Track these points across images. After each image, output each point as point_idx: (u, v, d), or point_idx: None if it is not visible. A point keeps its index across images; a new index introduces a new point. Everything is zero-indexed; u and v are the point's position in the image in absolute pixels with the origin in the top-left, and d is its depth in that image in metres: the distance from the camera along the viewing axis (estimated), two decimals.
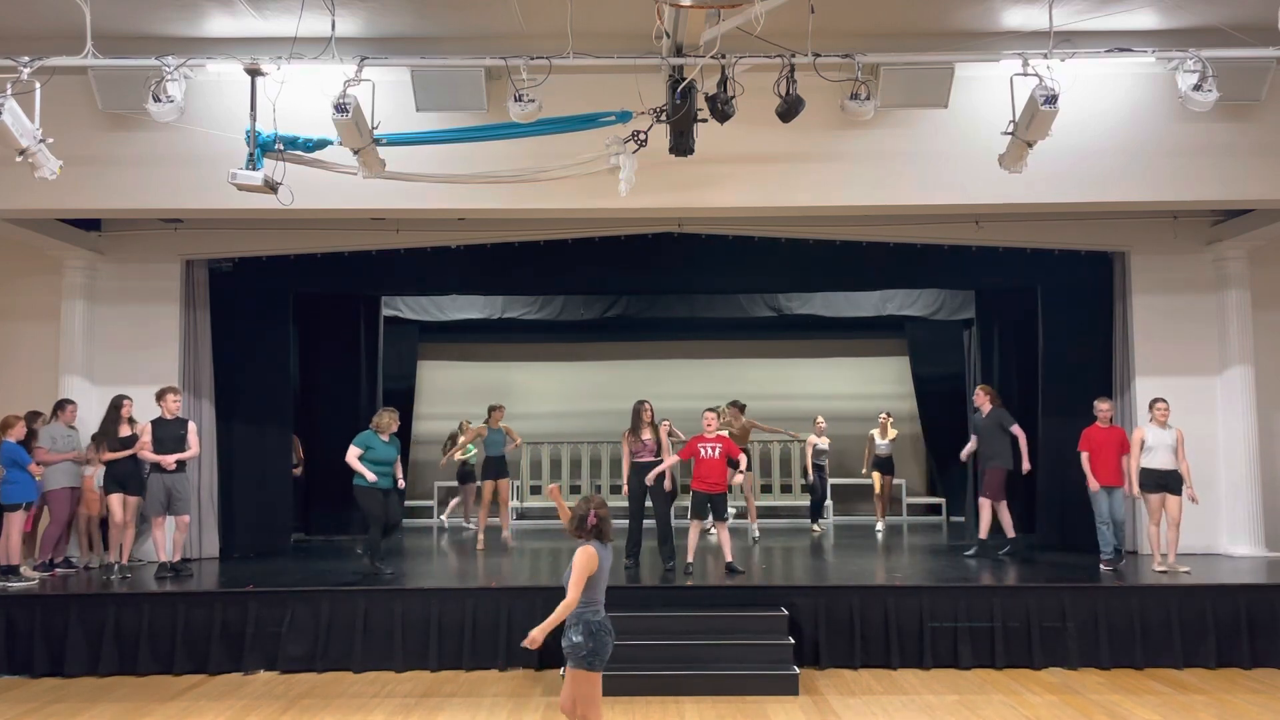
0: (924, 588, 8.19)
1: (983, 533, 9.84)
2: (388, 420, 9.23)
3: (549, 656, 7.83)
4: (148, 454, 8.95)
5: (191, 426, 9.25)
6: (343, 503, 12.20)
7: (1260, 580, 8.47)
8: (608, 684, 7.21)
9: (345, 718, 6.77)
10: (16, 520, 8.70)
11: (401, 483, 9.30)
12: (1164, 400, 8.97)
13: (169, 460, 8.93)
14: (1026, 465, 9.74)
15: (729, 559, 8.89)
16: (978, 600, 7.98)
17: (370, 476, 8.89)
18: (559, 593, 8.49)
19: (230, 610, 7.94)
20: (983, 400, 10.05)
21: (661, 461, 9.05)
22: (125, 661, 7.86)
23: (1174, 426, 8.89)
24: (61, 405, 9.43)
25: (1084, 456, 9.13)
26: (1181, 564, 8.81)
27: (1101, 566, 8.90)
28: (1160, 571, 8.71)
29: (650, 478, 8.99)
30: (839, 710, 6.80)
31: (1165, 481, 8.82)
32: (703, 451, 8.97)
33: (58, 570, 9.28)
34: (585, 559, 4.97)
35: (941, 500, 14.53)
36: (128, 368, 10.09)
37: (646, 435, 9.22)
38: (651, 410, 9.35)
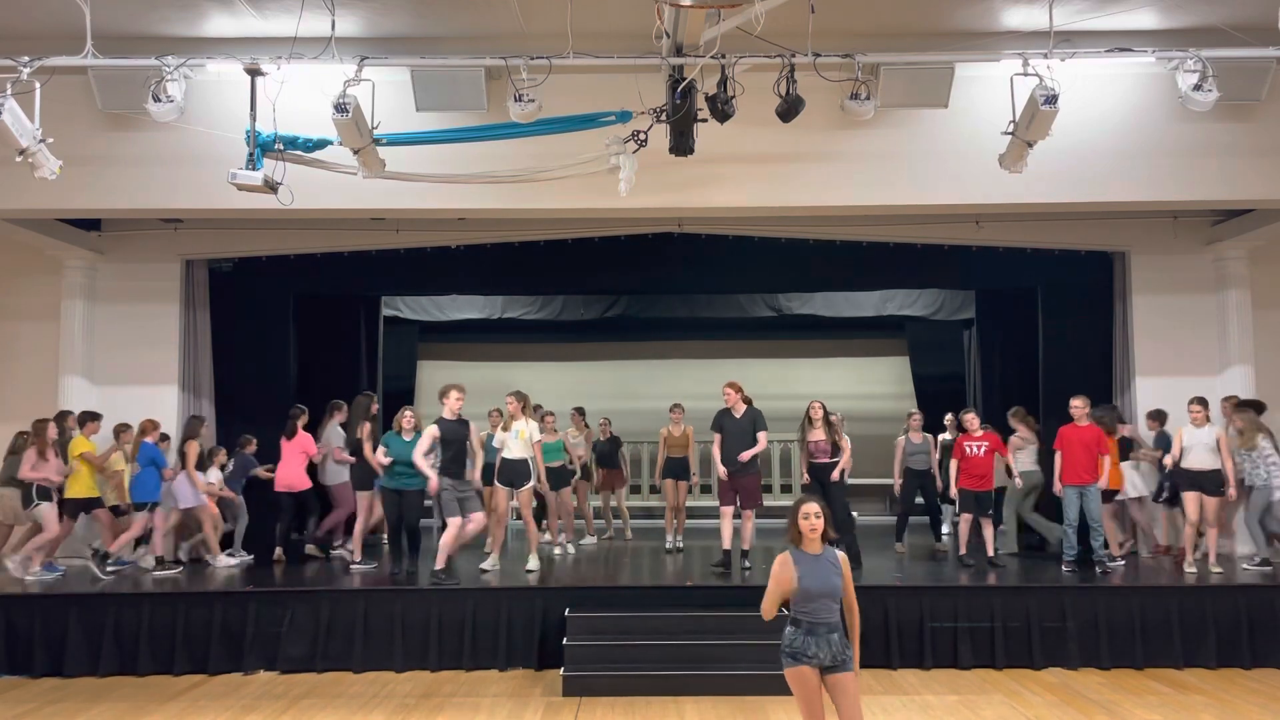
0: (924, 588, 8.19)
1: (726, 541, 8.97)
2: (396, 417, 9.02)
3: (549, 657, 7.84)
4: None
5: (473, 427, 8.84)
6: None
7: (1260, 580, 8.46)
8: (609, 684, 7.24)
9: (345, 718, 6.77)
10: (141, 520, 9.01)
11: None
12: (1199, 401, 8.97)
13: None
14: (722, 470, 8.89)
15: (990, 553, 9.27)
16: (978, 600, 7.98)
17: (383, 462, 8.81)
18: (559, 593, 8.46)
19: (230, 610, 7.95)
20: (735, 399, 9.01)
21: (839, 460, 9.24)
22: (125, 662, 7.86)
23: (1215, 425, 8.90)
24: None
25: (1058, 455, 9.01)
26: (1210, 566, 8.75)
27: (1063, 569, 8.74)
28: (1190, 571, 8.69)
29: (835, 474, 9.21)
30: None
31: (1200, 482, 8.78)
32: (968, 449, 9.35)
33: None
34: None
35: None
36: (128, 368, 10.09)
37: (819, 434, 9.27)
38: (823, 408, 9.40)
